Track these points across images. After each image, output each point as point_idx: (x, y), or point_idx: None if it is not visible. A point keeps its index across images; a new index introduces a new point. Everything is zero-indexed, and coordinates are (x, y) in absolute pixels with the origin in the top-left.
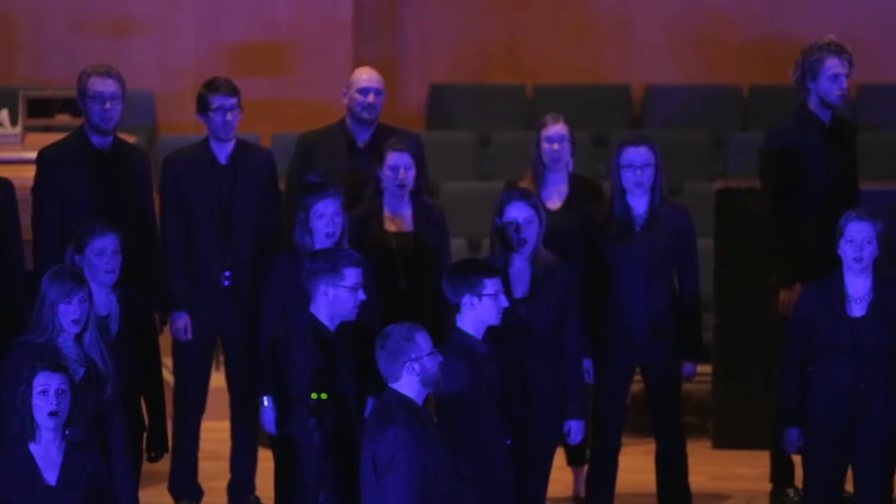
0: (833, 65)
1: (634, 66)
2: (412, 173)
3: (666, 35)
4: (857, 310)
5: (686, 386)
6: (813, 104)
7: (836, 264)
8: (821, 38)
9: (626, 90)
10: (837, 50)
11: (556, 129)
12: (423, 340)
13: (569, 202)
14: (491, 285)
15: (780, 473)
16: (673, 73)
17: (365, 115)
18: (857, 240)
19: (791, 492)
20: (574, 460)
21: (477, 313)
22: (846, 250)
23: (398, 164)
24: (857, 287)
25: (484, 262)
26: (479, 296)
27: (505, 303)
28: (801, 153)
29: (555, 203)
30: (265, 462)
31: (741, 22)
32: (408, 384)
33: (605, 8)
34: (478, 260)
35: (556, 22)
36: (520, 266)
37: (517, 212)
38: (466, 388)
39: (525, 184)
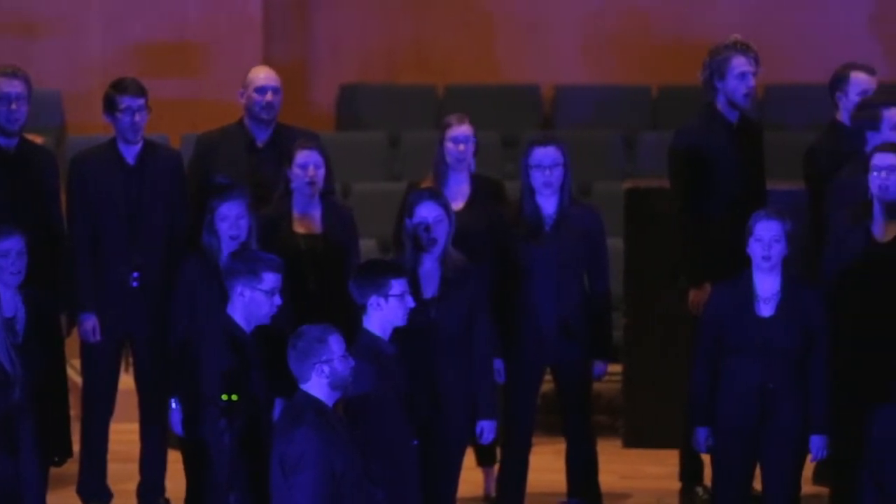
0: (739, 63)
1: (544, 67)
2: (322, 172)
3: (575, 35)
4: (766, 310)
5: (596, 385)
6: (720, 104)
7: (745, 263)
8: (727, 38)
9: (535, 90)
10: (743, 49)
11: (462, 129)
12: (335, 343)
13: (471, 202)
14: (397, 286)
15: (690, 472)
16: (582, 73)
17: (264, 114)
18: (766, 239)
19: (700, 490)
20: (484, 460)
21: (384, 314)
22: (755, 249)
23: (307, 163)
24: (766, 287)
25: (391, 263)
26: (386, 296)
27: (411, 303)
28: (710, 153)
29: (457, 203)
30: (175, 464)
31: (650, 23)
32: (317, 386)
33: (515, 8)
34: (385, 260)
35: (466, 22)
36: (429, 266)
37: (427, 212)
38: (373, 390)
39: (427, 184)
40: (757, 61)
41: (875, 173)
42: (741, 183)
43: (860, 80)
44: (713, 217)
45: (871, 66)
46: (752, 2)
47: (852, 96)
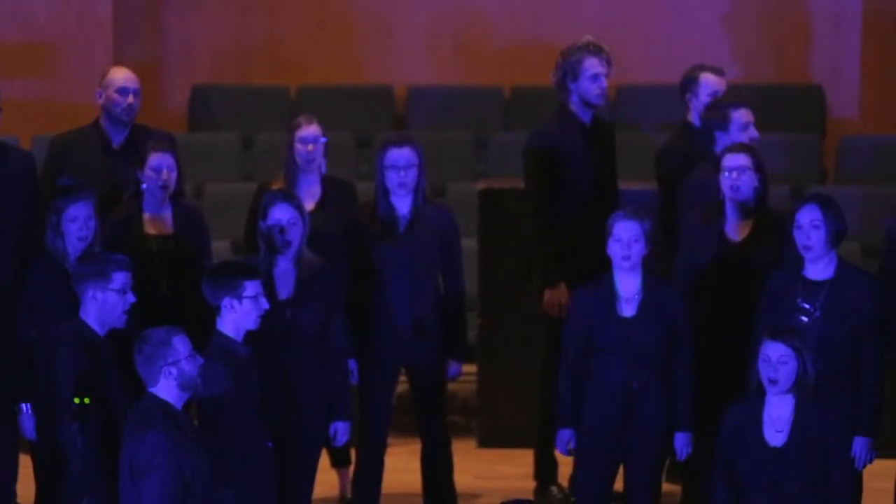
0: (592, 65)
1: (397, 68)
2: (175, 175)
3: (427, 37)
4: (628, 310)
5: (451, 386)
6: (574, 104)
7: (600, 263)
8: (580, 40)
9: (388, 91)
10: (595, 50)
11: (310, 130)
12: (180, 344)
13: (322, 203)
14: (251, 287)
15: (544, 472)
16: (435, 74)
17: (124, 116)
18: (625, 239)
19: (555, 489)
20: (339, 461)
21: (237, 316)
22: (614, 249)
23: (161, 166)
24: (627, 287)
25: (244, 265)
26: (240, 298)
27: (265, 305)
28: (563, 153)
29: (308, 204)
30: (27, 469)
31: (500, 24)
32: (165, 388)
33: (366, 9)
34: (238, 262)
35: (318, 23)
36: (284, 267)
37: (281, 213)
38: (227, 392)
39: (278, 185)
40: (609, 63)
41: (726, 174)
42: (594, 183)
43: (709, 82)
44: (566, 217)
45: (720, 68)
46: (603, 3)
47: (702, 97)
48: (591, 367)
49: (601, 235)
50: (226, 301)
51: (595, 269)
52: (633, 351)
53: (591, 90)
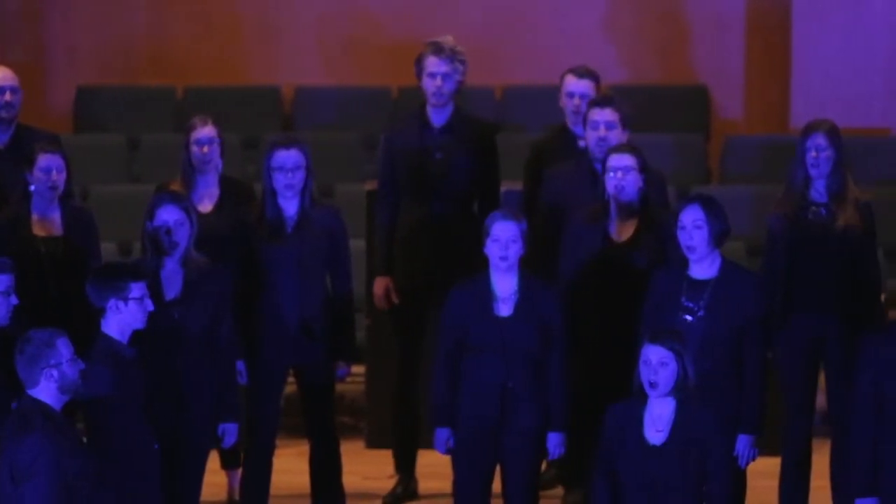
0: (430, 63)
1: (284, 68)
2: (63, 176)
3: (314, 37)
4: (504, 309)
5: (339, 386)
6: (428, 103)
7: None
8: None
9: (275, 92)
10: (436, 49)
11: (205, 131)
12: (63, 346)
13: (220, 204)
14: (136, 289)
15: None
16: (322, 74)
17: (3, 113)
18: (503, 239)
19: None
20: (228, 463)
21: (122, 317)
22: (492, 249)
23: (50, 167)
24: (504, 287)
25: (129, 266)
26: (125, 300)
27: (150, 307)
28: (399, 149)
29: (206, 206)
30: None
31: (388, 24)
32: (45, 390)
33: (252, 9)
34: (123, 263)
35: (204, 23)
36: (171, 268)
37: (168, 215)
38: (112, 393)
39: (175, 187)
40: (454, 61)
41: (611, 174)
42: (451, 181)
43: (568, 83)
44: (405, 212)
45: (587, 70)
46: (489, 4)
47: (564, 98)
48: (467, 367)
49: (439, 233)
50: (111, 303)
51: (427, 268)
52: (509, 350)
53: (429, 88)
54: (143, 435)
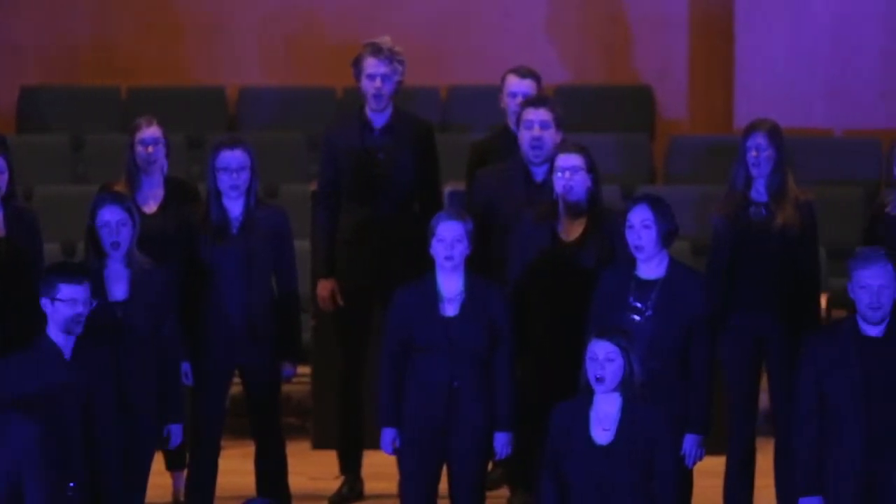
0: (368, 64)
1: (228, 68)
2: (6, 176)
3: (257, 37)
4: (450, 309)
5: (285, 387)
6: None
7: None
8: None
9: (220, 92)
10: (374, 50)
11: (150, 131)
12: None
13: (165, 205)
14: (65, 290)
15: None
16: (267, 74)
17: None
18: (448, 239)
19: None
20: (173, 464)
21: (53, 317)
22: (437, 249)
23: None
24: (450, 287)
25: (63, 266)
26: (52, 300)
27: (81, 309)
28: (338, 149)
29: (151, 206)
30: None
31: (331, 24)
32: None
33: (196, 9)
34: (59, 264)
35: (148, 23)
36: (115, 268)
37: (110, 215)
38: (49, 393)
39: (120, 187)
40: (393, 62)
41: (559, 174)
42: (388, 181)
43: (510, 83)
44: (345, 212)
45: (528, 70)
46: (434, 4)
47: (506, 98)
48: (413, 367)
49: (383, 234)
50: (42, 301)
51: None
52: (455, 350)
53: (368, 90)
54: (81, 435)
